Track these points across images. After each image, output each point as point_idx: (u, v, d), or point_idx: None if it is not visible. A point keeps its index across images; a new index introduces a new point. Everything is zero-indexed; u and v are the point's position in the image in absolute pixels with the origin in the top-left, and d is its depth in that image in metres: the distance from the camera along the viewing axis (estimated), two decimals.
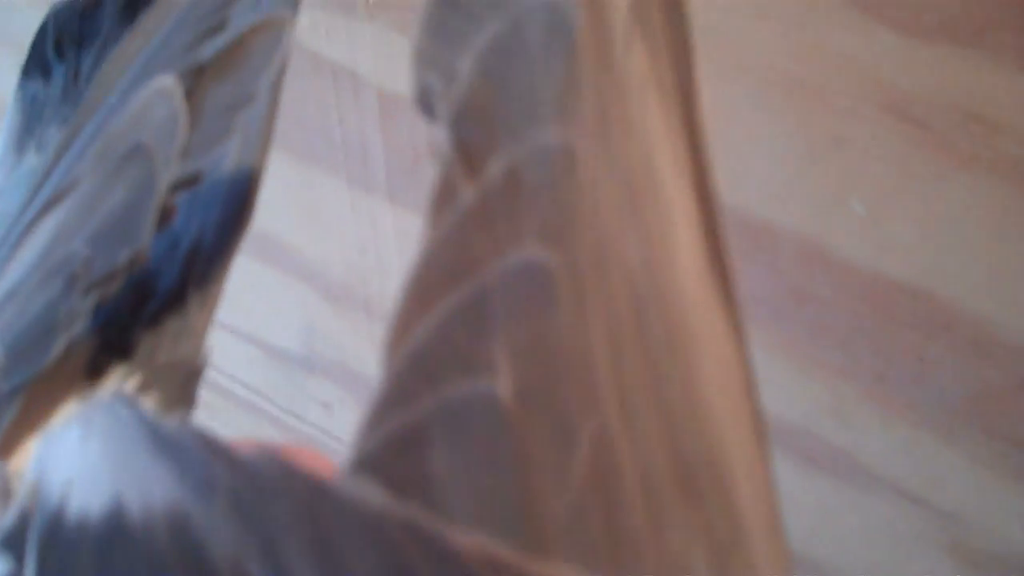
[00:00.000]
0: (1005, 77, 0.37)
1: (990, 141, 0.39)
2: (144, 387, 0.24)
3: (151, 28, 0.25)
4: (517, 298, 0.15)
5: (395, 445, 0.14)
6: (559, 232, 0.16)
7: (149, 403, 0.24)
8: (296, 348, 0.74)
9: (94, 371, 0.24)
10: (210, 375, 0.78)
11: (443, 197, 0.16)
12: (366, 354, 0.71)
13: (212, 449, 0.15)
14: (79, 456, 0.16)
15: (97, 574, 0.15)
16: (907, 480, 0.51)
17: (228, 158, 0.25)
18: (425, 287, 0.15)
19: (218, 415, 0.83)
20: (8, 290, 0.22)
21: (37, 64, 0.30)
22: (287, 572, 0.14)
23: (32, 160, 0.28)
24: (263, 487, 0.15)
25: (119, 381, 0.24)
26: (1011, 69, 0.37)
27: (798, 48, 0.41)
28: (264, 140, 0.25)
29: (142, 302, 0.24)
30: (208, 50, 0.24)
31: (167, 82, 0.23)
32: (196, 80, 0.24)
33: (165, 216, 0.23)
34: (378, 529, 0.13)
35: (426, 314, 0.15)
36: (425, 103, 0.16)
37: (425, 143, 0.56)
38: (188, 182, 0.24)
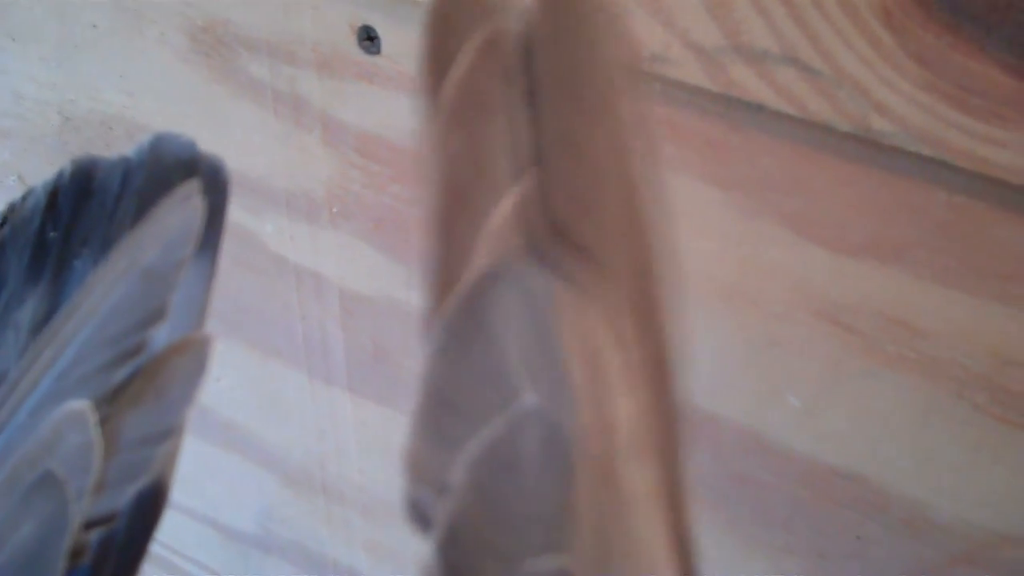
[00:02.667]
0: (923, 288, 0.41)
1: (912, 344, 0.42)
2: None
3: (64, 335, 0.23)
4: None
5: None
6: None
7: None
8: (252, 530, 0.75)
9: None
10: (167, 555, 0.79)
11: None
12: (322, 534, 0.73)
13: None
14: None
15: None
16: None
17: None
18: None
19: None
20: None
21: None
22: None
23: None
24: None
25: None
26: (928, 282, 0.41)
27: (735, 261, 0.44)
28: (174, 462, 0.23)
29: None
30: (125, 371, 0.23)
31: (81, 406, 0.22)
32: (112, 405, 0.22)
33: (77, 554, 0.21)
34: None
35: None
36: (416, 514, 0.16)
37: (382, 346, 0.58)
38: (103, 521, 0.21)
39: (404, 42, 0.47)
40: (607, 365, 0.18)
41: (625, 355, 0.18)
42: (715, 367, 0.47)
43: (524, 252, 0.17)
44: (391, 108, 0.49)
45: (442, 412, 0.17)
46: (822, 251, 0.42)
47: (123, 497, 0.21)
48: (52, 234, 0.26)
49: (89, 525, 0.21)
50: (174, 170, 0.26)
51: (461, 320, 0.17)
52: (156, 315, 0.23)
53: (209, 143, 0.55)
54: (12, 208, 0.27)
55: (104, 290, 0.23)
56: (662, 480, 0.18)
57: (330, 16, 0.47)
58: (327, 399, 0.63)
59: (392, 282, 0.55)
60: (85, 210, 0.26)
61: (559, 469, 0.16)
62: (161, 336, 0.23)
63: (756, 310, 0.45)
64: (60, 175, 0.27)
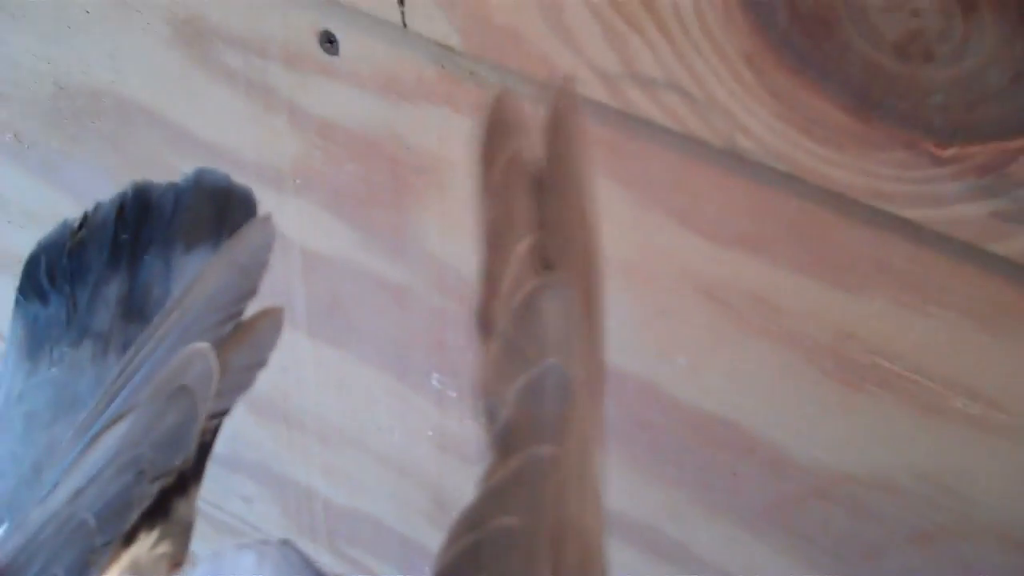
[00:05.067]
0: (781, 274, 0.49)
1: (773, 318, 0.50)
2: (161, 537, 0.31)
3: (187, 304, 0.33)
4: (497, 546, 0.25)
5: None
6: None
7: (166, 547, 0.31)
8: (222, 450, 0.83)
9: (131, 528, 0.31)
10: None
11: (487, 475, 0.26)
12: (284, 457, 0.81)
13: None
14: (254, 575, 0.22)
15: None
16: (729, 566, 0.62)
17: None
18: (455, 530, 0.25)
19: None
20: (88, 476, 0.30)
21: (33, 289, 0.37)
22: None
23: (52, 372, 0.35)
24: None
25: (147, 533, 0.31)
26: (785, 269, 0.49)
27: (632, 245, 0.52)
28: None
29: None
30: (229, 327, 0.32)
31: (204, 346, 0.31)
32: (222, 347, 0.32)
33: (204, 434, 0.31)
34: None
35: (446, 552, 0.24)
36: (487, 414, 0.27)
37: (338, 297, 0.66)
38: (219, 414, 0.32)
39: (360, 46, 0.54)
40: (579, 334, 0.29)
41: (586, 327, 0.29)
42: (618, 331, 0.55)
43: (550, 275, 0.29)
44: (348, 99, 0.56)
45: (505, 358, 0.27)
46: (701, 240, 0.50)
47: (231, 400, 0.32)
48: (123, 237, 0.35)
49: (211, 417, 0.31)
50: (213, 193, 0.35)
51: (523, 309, 0.28)
52: (249, 294, 0.33)
53: (187, 118, 0.63)
54: (86, 217, 0.36)
55: (213, 277, 0.33)
56: (597, 409, 0.29)
57: (296, 21, 0.55)
58: (290, 341, 0.71)
59: (348, 244, 0.63)
60: (147, 220, 0.35)
61: (564, 397, 0.27)
62: (251, 307, 0.33)
63: (650, 285, 0.53)
64: (125, 194, 0.36)
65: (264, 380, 0.75)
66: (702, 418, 0.57)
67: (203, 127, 0.63)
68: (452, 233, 0.58)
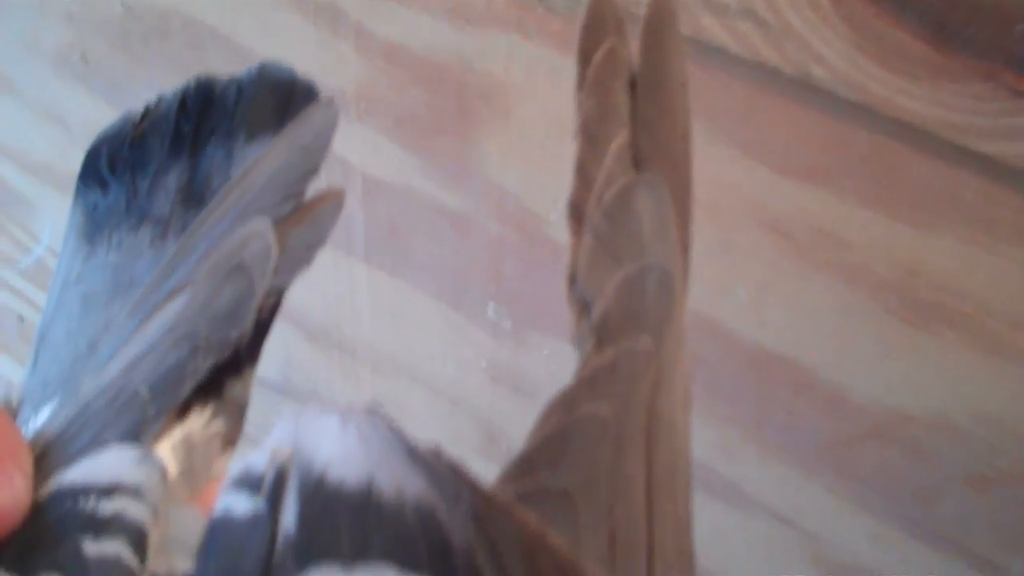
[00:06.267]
0: (848, 208, 0.48)
1: (837, 253, 0.50)
2: (215, 415, 0.31)
3: (247, 183, 0.33)
4: (586, 433, 0.24)
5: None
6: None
7: (219, 426, 0.31)
8: (275, 377, 0.84)
9: (183, 404, 0.30)
10: None
11: (582, 365, 0.25)
12: (335, 385, 0.81)
13: (458, 472, 0.20)
14: (338, 440, 0.21)
15: (352, 525, 0.20)
16: (779, 506, 0.62)
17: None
18: (546, 413, 0.24)
19: None
20: (143, 349, 0.30)
21: (93, 177, 0.37)
22: (508, 572, 0.20)
23: (110, 256, 0.35)
24: (492, 509, 0.20)
25: (200, 410, 0.31)
26: (852, 203, 0.48)
27: (697, 177, 0.52)
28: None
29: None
30: (290, 206, 0.32)
31: (263, 223, 0.31)
32: (281, 225, 0.31)
33: (260, 311, 0.30)
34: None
35: (538, 432, 0.24)
36: (580, 306, 0.27)
37: (396, 225, 0.66)
38: (276, 292, 0.31)
39: None
40: (671, 235, 0.29)
41: (677, 229, 0.30)
42: None
43: (644, 173, 0.29)
44: (416, 23, 0.56)
45: (601, 252, 0.27)
46: (768, 172, 0.50)
47: (289, 278, 0.31)
48: (186, 127, 0.35)
49: (268, 294, 0.31)
50: (276, 85, 0.35)
51: (617, 203, 0.28)
52: (311, 172, 0.33)
53: (254, 41, 0.63)
54: (148, 108, 0.36)
55: (275, 156, 0.33)
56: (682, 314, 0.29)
57: None
58: (346, 268, 0.71)
59: (408, 172, 0.63)
60: (210, 112, 0.35)
61: (665, 295, 0.27)
62: (312, 186, 0.33)
63: (713, 218, 0.53)
64: (187, 87, 0.36)
65: (319, 308, 0.76)
66: (760, 354, 0.56)
67: (269, 49, 0.63)
68: (514, 161, 0.58)
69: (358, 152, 0.64)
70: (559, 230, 0.59)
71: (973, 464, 0.53)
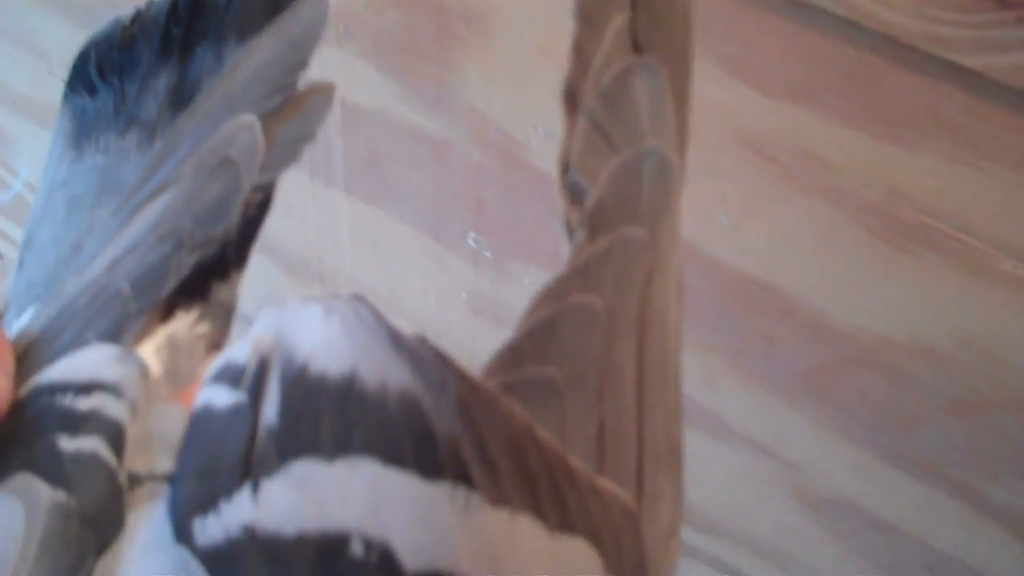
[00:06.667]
0: (832, 128, 0.48)
1: (821, 174, 0.49)
2: (201, 318, 0.30)
3: (234, 77, 0.32)
4: (576, 323, 0.24)
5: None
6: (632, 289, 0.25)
7: (205, 328, 0.31)
8: (254, 310, 0.83)
9: (168, 306, 0.30)
10: None
11: (574, 254, 0.25)
12: None
13: (444, 361, 0.20)
14: (321, 331, 0.20)
15: (334, 417, 0.19)
16: (760, 436, 0.62)
17: None
18: (536, 302, 0.23)
19: None
20: (127, 247, 0.29)
21: (82, 82, 0.36)
22: (494, 464, 0.19)
23: (97, 160, 0.35)
24: (478, 399, 0.20)
25: (185, 312, 0.30)
26: (836, 123, 0.47)
27: None
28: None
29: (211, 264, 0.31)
30: (278, 99, 0.31)
31: (250, 117, 0.30)
32: (269, 120, 0.31)
33: (247, 207, 0.30)
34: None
35: (527, 321, 0.23)
36: (573, 193, 0.26)
37: (376, 153, 0.65)
38: (264, 187, 0.31)
39: None
40: (670, 122, 0.28)
41: (674, 116, 0.28)
42: None
43: (643, 56, 0.28)
44: None
45: (597, 137, 0.26)
46: (751, 91, 0.49)
47: (276, 173, 0.31)
48: (175, 30, 0.34)
49: (255, 190, 0.30)
50: None
51: (615, 87, 0.27)
52: (300, 65, 0.32)
53: None
54: (139, 12, 0.35)
55: (263, 50, 0.32)
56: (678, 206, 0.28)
57: None
58: (326, 199, 0.70)
59: (388, 97, 0.62)
60: (200, 14, 0.34)
61: (663, 183, 0.26)
62: (302, 80, 0.32)
63: (694, 139, 0.52)
64: None
65: (299, 240, 0.75)
66: (741, 280, 0.56)
67: None
68: (495, 85, 0.57)
69: (337, 78, 0.62)
70: (540, 157, 0.58)
71: (955, 390, 0.53)
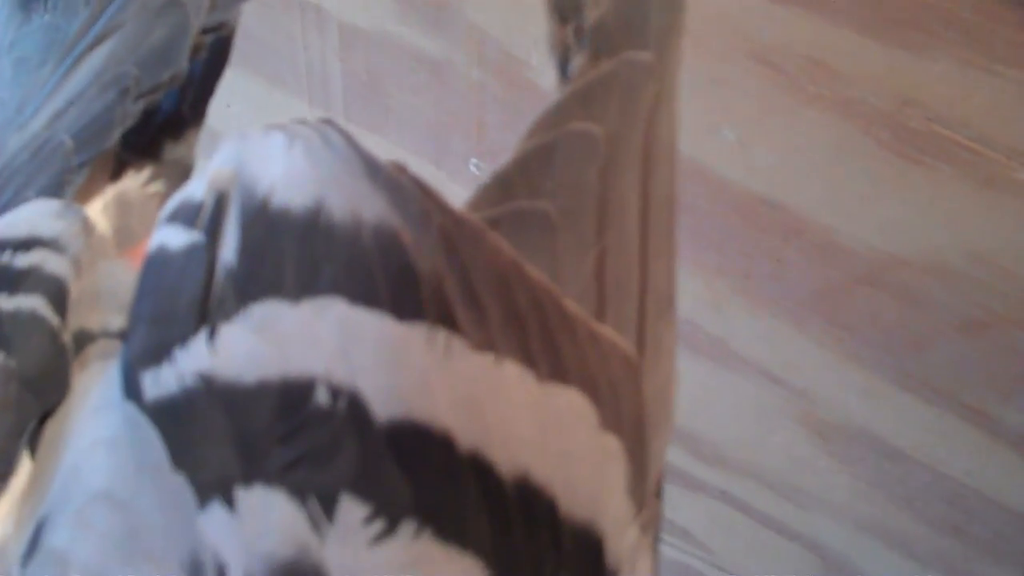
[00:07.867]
0: (841, 34, 0.46)
1: (829, 84, 0.48)
2: (153, 177, 0.29)
3: None
4: (573, 152, 0.22)
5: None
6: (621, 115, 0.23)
7: (158, 187, 0.29)
8: None
9: (118, 165, 0.29)
10: None
11: (573, 78, 0.23)
12: None
13: (426, 192, 0.18)
14: (283, 160, 0.19)
15: (299, 254, 0.18)
16: (768, 363, 0.60)
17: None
18: (532, 130, 0.22)
19: None
20: (69, 98, 0.28)
21: None
22: (480, 306, 0.18)
23: (45, 19, 0.33)
24: (464, 233, 0.18)
25: (136, 172, 0.29)
26: (846, 29, 0.46)
27: None
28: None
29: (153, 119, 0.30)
30: None
31: None
32: None
33: (196, 50, 0.29)
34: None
35: (519, 150, 0.21)
36: (562, 9, 0.24)
37: (376, 76, 0.64)
38: (214, 28, 0.29)
39: None
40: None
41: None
42: None
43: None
44: None
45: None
46: None
47: (227, 13, 0.29)
48: None
49: (205, 31, 0.29)
50: None
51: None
52: None
53: None
54: None
55: None
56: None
57: None
58: None
59: (386, 16, 0.60)
60: None
61: (673, 3, 0.25)
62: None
63: (700, 51, 0.50)
64: None
65: None
66: (748, 199, 0.54)
67: None
68: (493, 2, 0.56)
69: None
70: (541, 74, 0.57)
71: (967, 308, 0.51)
